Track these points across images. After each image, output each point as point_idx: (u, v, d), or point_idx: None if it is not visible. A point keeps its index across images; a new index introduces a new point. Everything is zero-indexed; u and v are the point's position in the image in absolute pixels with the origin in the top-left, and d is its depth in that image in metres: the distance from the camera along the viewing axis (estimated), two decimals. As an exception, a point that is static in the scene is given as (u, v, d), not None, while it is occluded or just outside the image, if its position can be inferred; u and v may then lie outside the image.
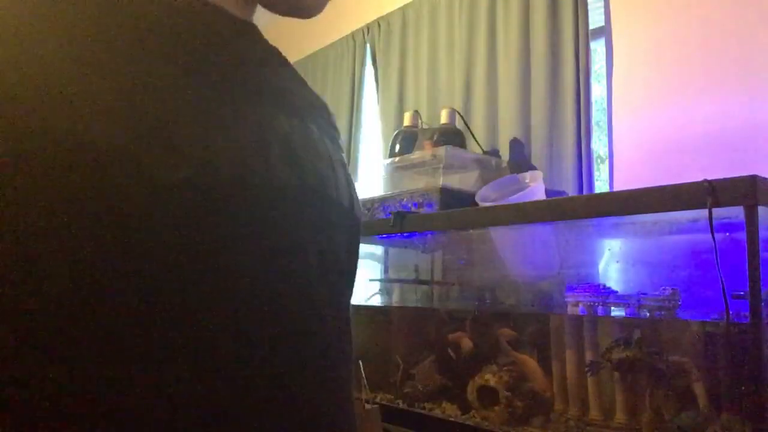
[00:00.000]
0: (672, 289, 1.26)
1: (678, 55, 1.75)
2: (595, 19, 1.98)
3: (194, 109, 0.35)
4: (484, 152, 2.08)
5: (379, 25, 2.76)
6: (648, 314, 1.28)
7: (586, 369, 1.36)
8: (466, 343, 1.64)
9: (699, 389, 1.17)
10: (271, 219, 0.38)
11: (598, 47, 2.04)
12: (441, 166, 1.77)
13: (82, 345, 0.30)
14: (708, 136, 1.65)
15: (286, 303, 0.38)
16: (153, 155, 0.32)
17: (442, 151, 1.81)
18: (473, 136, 2.13)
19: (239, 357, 0.35)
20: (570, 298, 1.42)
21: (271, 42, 0.46)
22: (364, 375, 1.72)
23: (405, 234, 1.77)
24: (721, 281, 1.07)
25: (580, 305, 1.40)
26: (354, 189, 0.51)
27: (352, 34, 2.93)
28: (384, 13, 2.74)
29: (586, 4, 1.94)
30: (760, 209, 1.07)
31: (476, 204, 1.68)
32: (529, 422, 1.45)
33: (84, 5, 0.34)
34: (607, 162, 1.91)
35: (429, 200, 1.74)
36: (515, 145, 2.06)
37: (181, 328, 0.33)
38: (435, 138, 1.95)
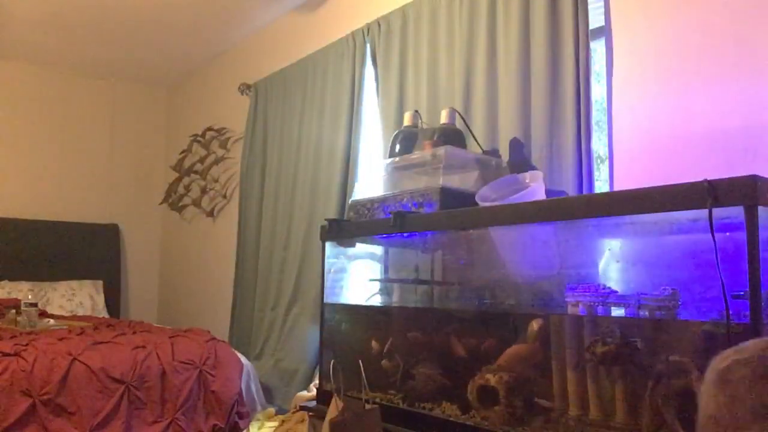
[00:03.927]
0: (672, 289, 1.26)
1: (678, 55, 1.74)
2: (595, 19, 1.98)
3: None
4: (484, 152, 2.08)
5: (379, 25, 2.76)
6: (648, 314, 1.28)
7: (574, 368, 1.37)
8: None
9: (699, 389, 1.17)
10: None
11: (598, 47, 2.04)
12: (441, 166, 1.77)
13: None
14: (708, 136, 1.65)
15: None
16: None
17: (442, 151, 1.80)
18: (473, 136, 2.13)
19: None
20: (570, 298, 1.42)
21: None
22: (364, 375, 1.72)
23: (405, 234, 1.77)
24: (721, 281, 1.07)
25: (580, 305, 1.40)
26: None
27: (352, 34, 2.93)
28: (384, 13, 2.74)
29: (586, 4, 1.94)
30: (760, 209, 1.07)
31: (476, 204, 1.68)
32: (529, 422, 1.44)
33: None
34: (607, 162, 1.91)
35: (429, 200, 1.74)
36: (515, 145, 2.06)
37: None
38: (435, 138, 1.95)
